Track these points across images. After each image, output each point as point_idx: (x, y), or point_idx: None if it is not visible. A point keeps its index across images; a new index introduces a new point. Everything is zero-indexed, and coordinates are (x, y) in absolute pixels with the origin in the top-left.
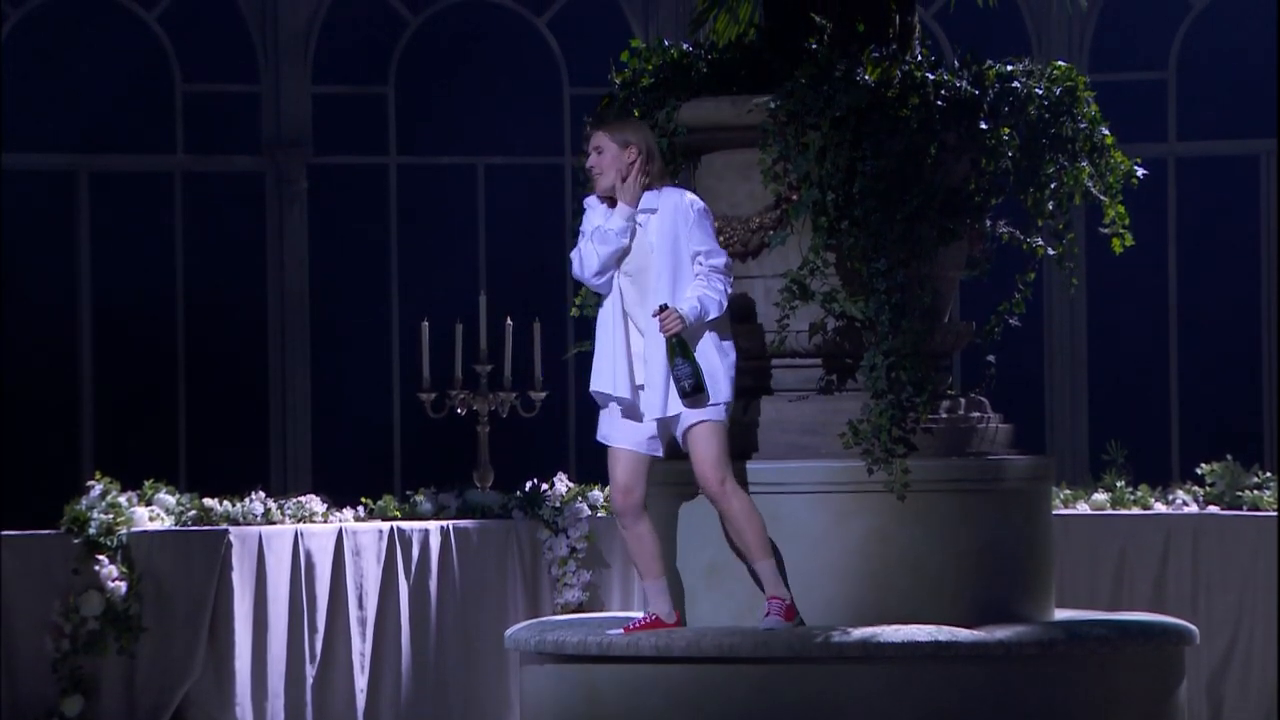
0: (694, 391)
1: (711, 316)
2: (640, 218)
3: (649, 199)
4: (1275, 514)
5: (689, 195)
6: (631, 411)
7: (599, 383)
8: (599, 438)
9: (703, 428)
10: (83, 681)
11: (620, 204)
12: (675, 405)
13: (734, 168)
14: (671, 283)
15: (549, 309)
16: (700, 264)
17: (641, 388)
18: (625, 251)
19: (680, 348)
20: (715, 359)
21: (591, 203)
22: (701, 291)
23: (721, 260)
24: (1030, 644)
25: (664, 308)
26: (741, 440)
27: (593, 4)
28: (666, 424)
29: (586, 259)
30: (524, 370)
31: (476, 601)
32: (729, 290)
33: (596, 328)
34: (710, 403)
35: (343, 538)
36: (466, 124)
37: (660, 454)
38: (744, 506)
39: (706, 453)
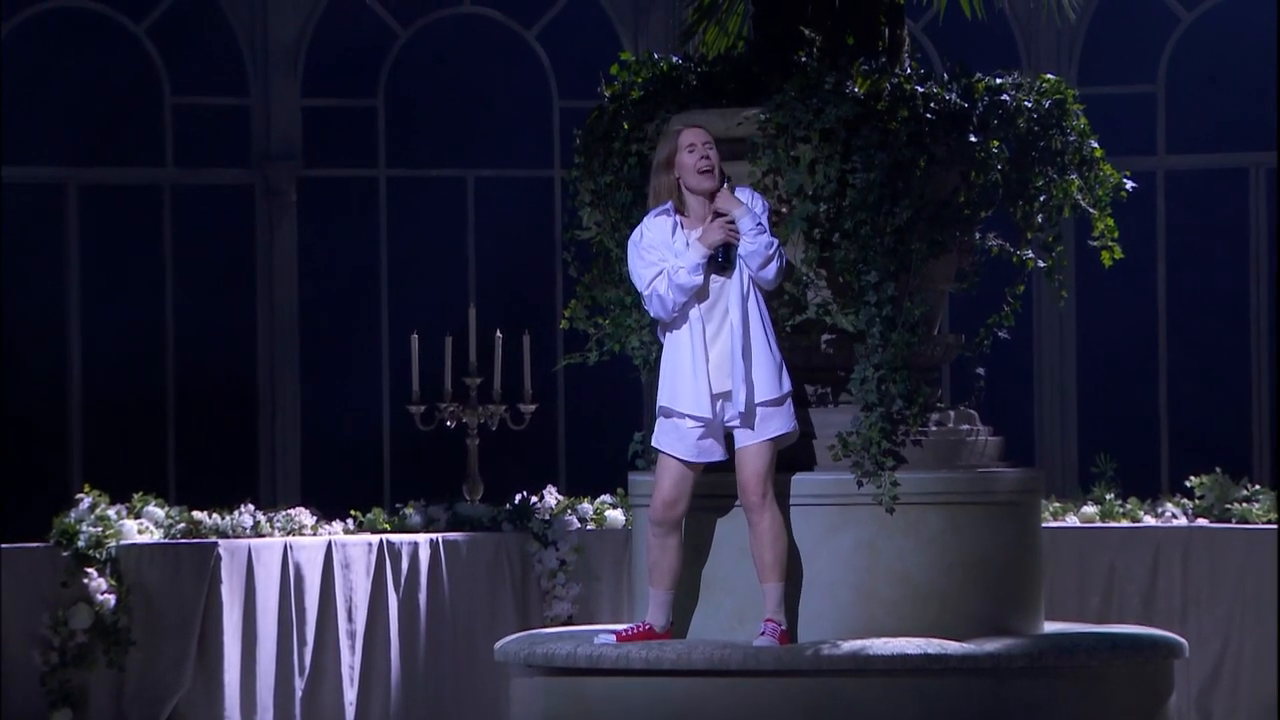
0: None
1: (762, 261)
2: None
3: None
4: (1265, 526)
5: (747, 194)
6: (706, 428)
7: (677, 403)
8: (656, 444)
9: (763, 444)
10: (71, 695)
11: (695, 242)
12: (759, 394)
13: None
14: (750, 288)
15: (539, 322)
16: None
17: (719, 397)
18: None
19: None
20: (778, 353)
21: (656, 228)
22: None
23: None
24: (1019, 657)
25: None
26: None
27: (582, 17)
28: (727, 428)
29: (669, 302)
30: (514, 383)
31: (466, 614)
32: (782, 258)
33: (667, 343)
34: (778, 394)
35: (332, 550)
36: (456, 136)
37: (725, 458)
38: (775, 525)
39: (756, 466)
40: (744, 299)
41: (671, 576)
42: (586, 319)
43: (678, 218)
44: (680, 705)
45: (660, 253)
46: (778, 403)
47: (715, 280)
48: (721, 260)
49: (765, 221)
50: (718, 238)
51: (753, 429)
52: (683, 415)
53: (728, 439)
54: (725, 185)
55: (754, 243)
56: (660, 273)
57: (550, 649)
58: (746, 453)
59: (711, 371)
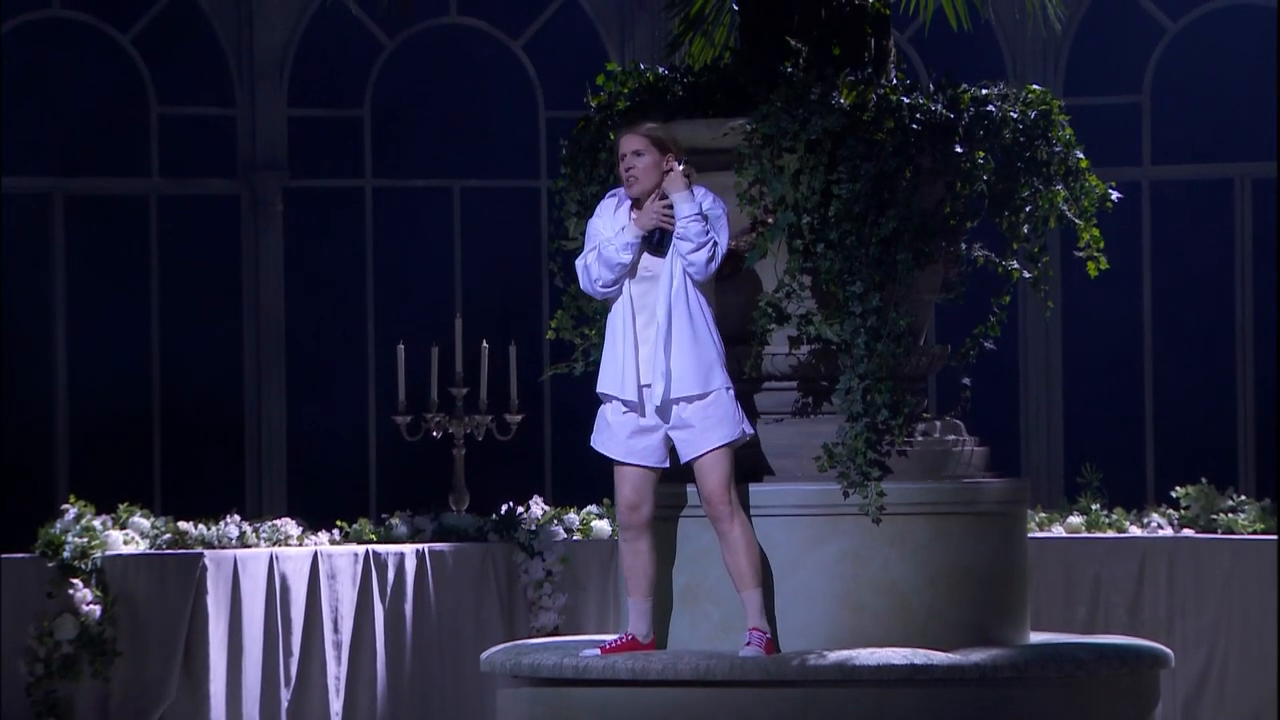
0: (655, 244)
1: (693, 247)
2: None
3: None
4: (1251, 537)
5: (701, 192)
6: (636, 417)
7: (605, 384)
8: (593, 444)
9: (716, 453)
10: (57, 705)
11: (630, 222)
12: (676, 390)
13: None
14: (682, 281)
15: (525, 332)
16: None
17: (647, 386)
18: (632, 268)
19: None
20: (712, 350)
21: (604, 209)
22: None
23: (719, 233)
24: (1005, 667)
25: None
26: None
27: (569, 27)
28: (671, 438)
29: (594, 274)
30: (500, 393)
31: (452, 625)
32: (717, 251)
33: (606, 329)
34: (700, 391)
35: (318, 561)
36: (442, 147)
37: (665, 464)
38: (744, 533)
39: (717, 477)
40: (670, 294)
41: (648, 582)
42: (572, 329)
43: (626, 200)
44: (666, 716)
45: (604, 225)
46: (701, 398)
47: (648, 271)
48: (656, 241)
49: (715, 218)
50: (650, 220)
51: (699, 440)
52: (611, 398)
53: (675, 452)
54: (682, 170)
55: (686, 228)
56: (595, 248)
57: (536, 659)
58: (702, 465)
59: (641, 362)
